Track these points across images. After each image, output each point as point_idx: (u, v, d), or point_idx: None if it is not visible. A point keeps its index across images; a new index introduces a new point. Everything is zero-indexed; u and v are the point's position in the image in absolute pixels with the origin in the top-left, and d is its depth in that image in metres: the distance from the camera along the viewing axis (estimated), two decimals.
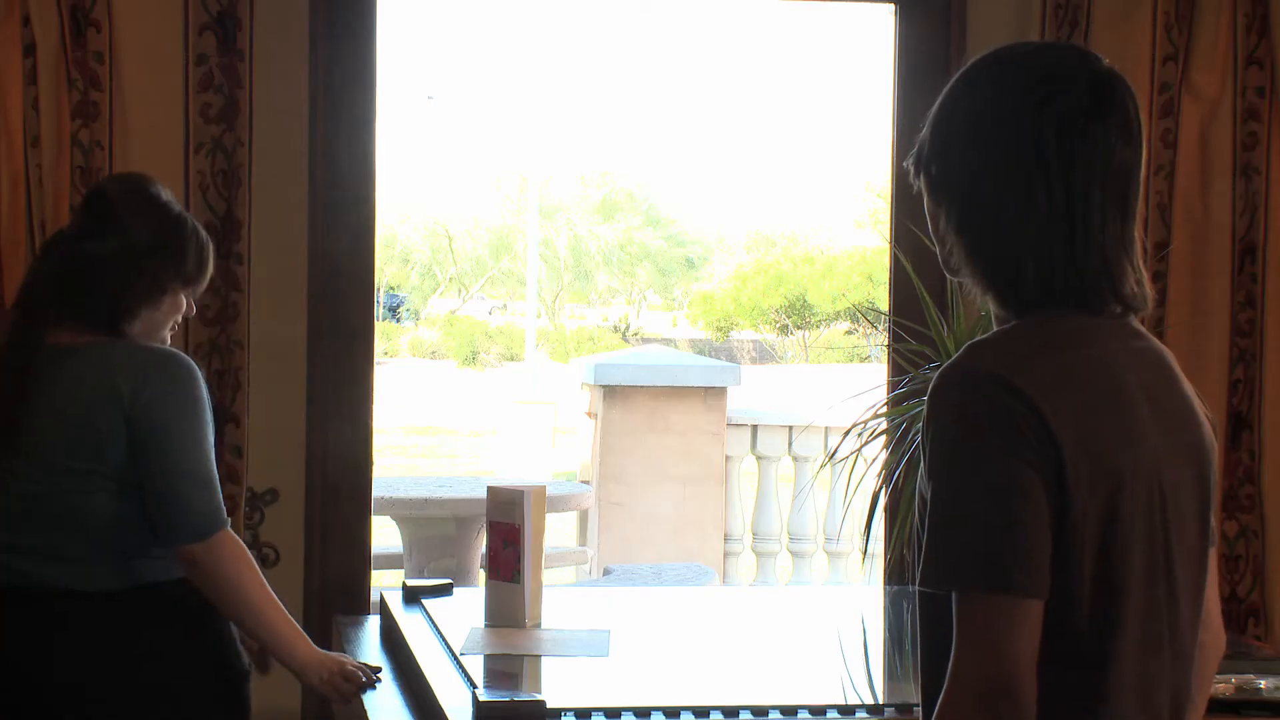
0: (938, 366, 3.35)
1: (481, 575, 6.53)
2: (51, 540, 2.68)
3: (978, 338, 1.82)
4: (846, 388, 4.17)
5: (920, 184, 1.89)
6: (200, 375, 2.74)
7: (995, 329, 1.83)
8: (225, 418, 3.66)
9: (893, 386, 3.72)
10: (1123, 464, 1.74)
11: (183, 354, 2.79)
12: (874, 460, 3.61)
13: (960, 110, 1.87)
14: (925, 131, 1.88)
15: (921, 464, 1.77)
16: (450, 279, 33.06)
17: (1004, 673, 1.65)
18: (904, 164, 1.94)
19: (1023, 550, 1.67)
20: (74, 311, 2.75)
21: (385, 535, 8.08)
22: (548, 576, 4.51)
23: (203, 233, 2.88)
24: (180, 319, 2.87)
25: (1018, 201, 1.80)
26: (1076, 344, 1.79)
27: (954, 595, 1.69)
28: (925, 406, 1.76)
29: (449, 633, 2.82)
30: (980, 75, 1.87)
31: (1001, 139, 1.81)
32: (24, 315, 2.78)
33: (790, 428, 7.80)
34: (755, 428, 8.04)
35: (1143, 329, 1.88)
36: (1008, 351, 1.76)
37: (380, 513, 6.54)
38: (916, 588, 1.75)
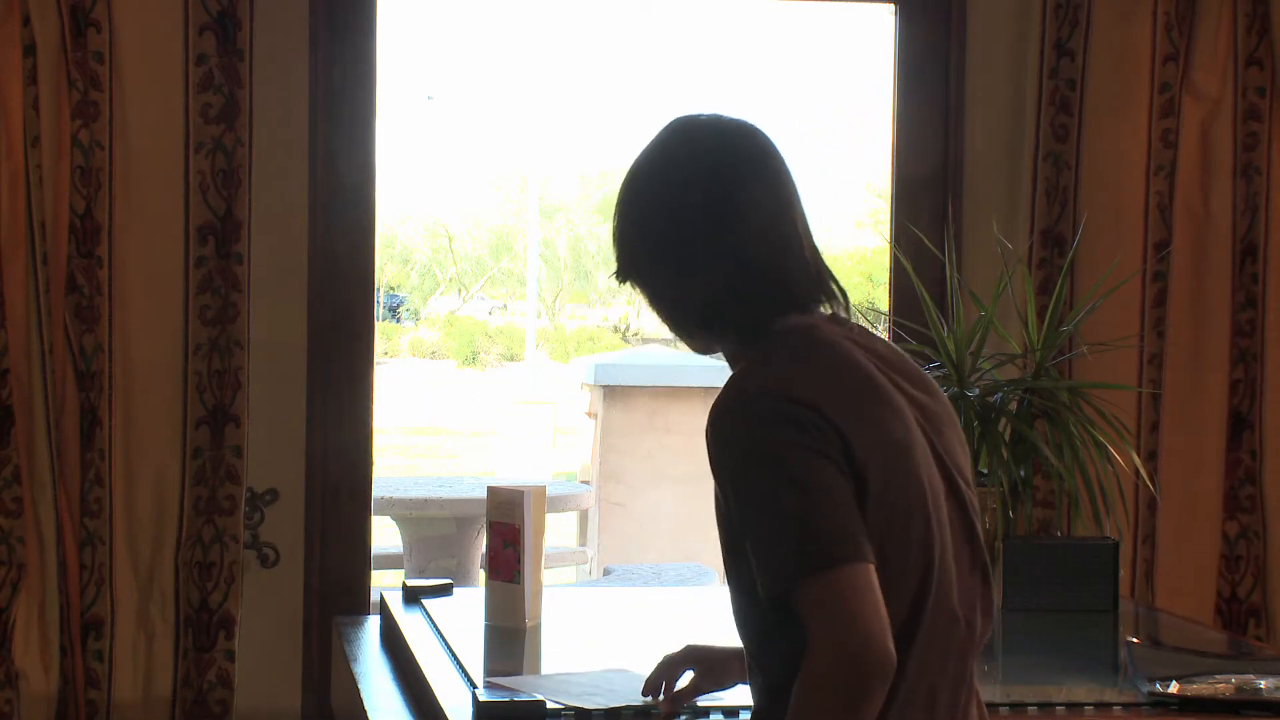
0: (938, 366, 3.35)
1: (481, 575, 6.53)
2: None
3: (734, 373, 1.96)
4: None
5: (638, 294, 2.04)
6: None
7: (730, 361, 1.99)
8: (225, 418, 3.67)
9: None
10: (901, 437, 1.89)
11: None
12: None
13: (635, 216, 2.01)
14: (616, 250, 2.04)
15: (718, 498, 1.91)
16: (450, 279, 33.02)
17: (862, 632, 1.77)
18: (608, 276, 2.08)
19: (844, 526, 1.80)
20: None
21: (385, 535, 8.08)
22: (548, 576, 4.50)
23: None
24: None
25: (708, 259, 1.95)
26: (817, 349, 1.94)
27: (797, 590, 1.80)
28: (709, 446, 1.89)
29: (449, 633, 2.82)
30: (640, 183, 2.02)
31: (675, 227, 1.97)
32: None
33: None
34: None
35: (855, 322, 2.04)
36: (768, 373, 1.90)
37: (380, 513, 6.55)
38: (764, 598, 1.85)
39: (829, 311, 2.01)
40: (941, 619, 1.90)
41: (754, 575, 1.85)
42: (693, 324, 2.01)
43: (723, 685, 2.28)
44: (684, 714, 2.33)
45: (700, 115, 2.03)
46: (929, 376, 2.03)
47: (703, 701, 2.34)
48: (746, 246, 1.95)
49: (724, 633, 3.12)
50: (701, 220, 1.95)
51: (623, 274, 2.04)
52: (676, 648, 2.30)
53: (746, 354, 1.98)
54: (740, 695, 2.44)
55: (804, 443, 1.82)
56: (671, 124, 2.03)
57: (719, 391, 1.93)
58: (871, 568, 1.80)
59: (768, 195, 1.97)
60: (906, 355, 2.04)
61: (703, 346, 2.04)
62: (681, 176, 1.97)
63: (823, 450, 1.83)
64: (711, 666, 2.26)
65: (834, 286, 2.00)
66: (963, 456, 2.00)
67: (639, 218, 2.00)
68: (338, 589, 3.86)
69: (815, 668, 1.79)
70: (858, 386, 1.90)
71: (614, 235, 2.03)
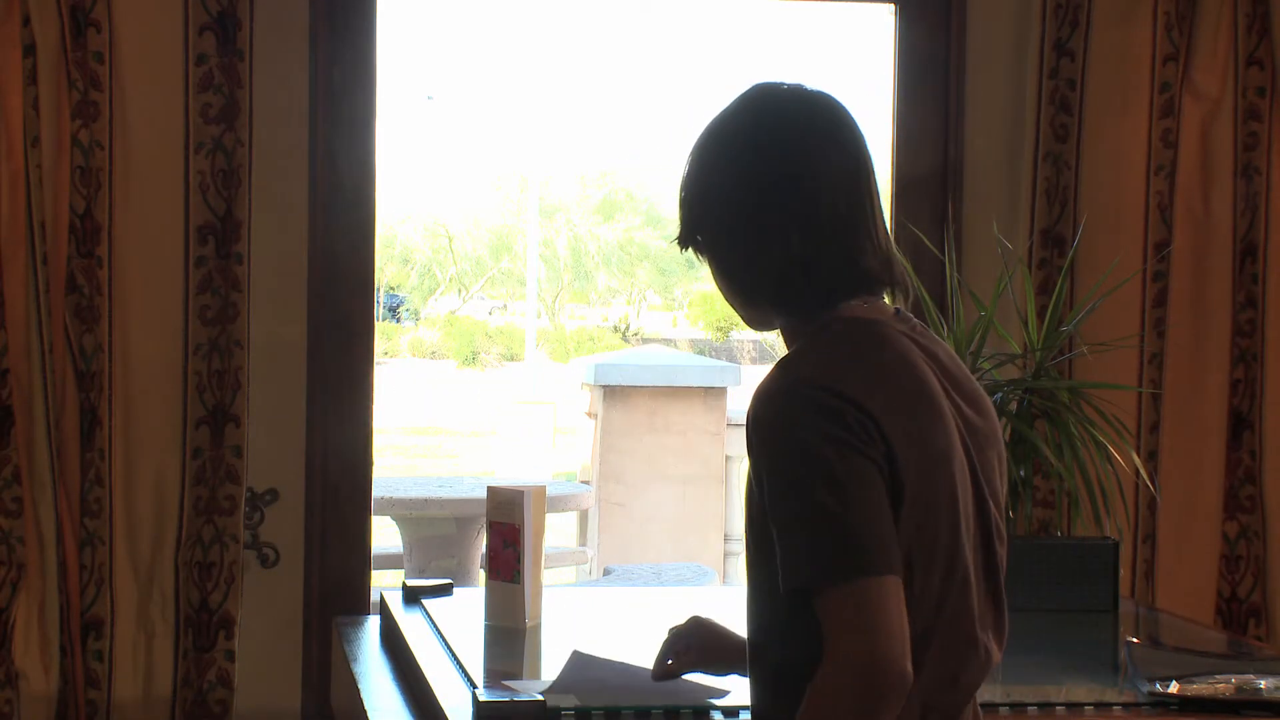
0: None
1: (481, 575, 6.53)
2: None
3: (786, 356, 1.91)
4: None
5: (701, 260, 1.99)
6: None
7: (796, 344, 1.93)
8: (225, 418, 3.67)
9: None
10: (944, 449, 1.85)
11: None
12: None
13: (706, 179, 1.96)
14: (681, 213, 1.99)
15: (751, 479, 1.87)
16: (450, 279, 33.00)
17: (882, 650, 1.74)
18: (668, 244, 2.02)
19: (877, 534, 1.77)
20: None
21: (385, 535, 8.08)
22: (548, 576, 4.50)
23: None
24: None
25: (775, 229, 1.90)
26: (875, 345, 1.89)
27: (822, 593, 1.77)
28: (750, 427, 1.85)
29: (449, 633, 2.82)
30: (714, 146, 1.97)
31: (750, 191, 1.91)
32: None
33: None
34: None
35: (921, 324, 1.99)
36: (822, 362, 1.86)
37: (380, 513, 6.54)
38: (783, 590, 1.82)
39: (895, 305, 1.96)
40: (957, 641, 1.87)
41: (776, 565, 1.82)
42: (756, 292, 1.94)
43: (721, 669, 2.25)
44: (684, 705, 2.33)
45: (781, 83, 1.97)
46: (982, 391, 1.98)
47: (704, 702, 2.34)
48: (818, 215, 1.89)
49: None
50: (775, 186, 1.89)
51: (685, 239, 1.98)
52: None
53: (804, 335, 1.93)
54: (741, 695, 2.44)
55: (846, 440, 1.78)
56: (750, 89, 1.97)
57: (767, 372, 1.88)
58: (899, 581, 1.77)
59: (844, 167, 1.91)
60: (964, 365, 2.00)
61: (761, 319, 1.98)
62: (757, 141, 1.92)
63: (864, 450, 1.78)
64: (714, 643, 2.24)
65: (901, 274, 1.95)
66: (999, 480, 1.96)
67: (710, 181, 1.94)
68: (338, 589, 3.86)
69: (831, 677, 1.76)
70: (910, 391, 1.85)
71: (681, 198, 1.97)
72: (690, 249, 1.98)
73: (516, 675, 2.69)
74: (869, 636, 1.74)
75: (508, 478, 11.12)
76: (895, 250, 1.96)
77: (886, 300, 1.96)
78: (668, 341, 28.24)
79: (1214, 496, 4.05)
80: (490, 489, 2.99)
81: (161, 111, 3.64)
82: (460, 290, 33.26)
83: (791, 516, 1.80)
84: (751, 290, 1.94)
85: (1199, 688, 2.49)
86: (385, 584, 5.59)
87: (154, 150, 3.65)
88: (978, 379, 3.39)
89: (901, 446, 1.80)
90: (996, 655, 1.93)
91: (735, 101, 1.97)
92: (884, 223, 1.95)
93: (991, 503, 1.93)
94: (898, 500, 1.80)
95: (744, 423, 1.90)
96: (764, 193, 1.90)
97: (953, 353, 1.99)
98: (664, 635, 2.30)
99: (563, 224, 32.44)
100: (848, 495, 1.77)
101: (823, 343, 1.90)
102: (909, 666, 1.75)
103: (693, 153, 1.97)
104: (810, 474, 1.78)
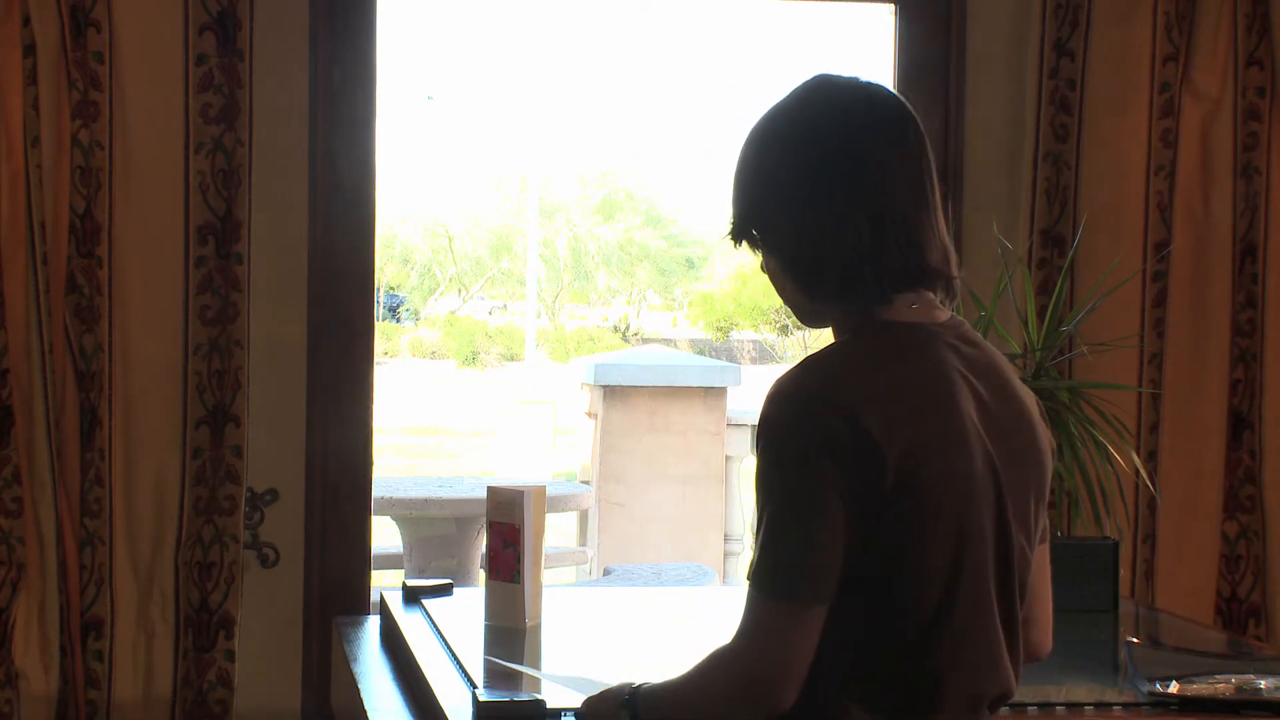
0: None
1: (481, 575, 6.53)
2: None
3: (815, 354, 1.90)
4: None
5: (756, 253, 1.97)
6: None
7: (836, 337, 1.93)
8: (225, 418, 3.67)
9: None
10: (956, 466, 1.84)
11: None
12: None
13: (766, 168, 1.93)
14: (736, 205, 1.96)
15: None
16: (450, 279, 33.00)
17: (759, 668, 1.82)
18: (723, 238, 2.02)
19: (815, 564, 1.80)
20: None
21: (385, 535, 8.08)
22: (548, 576, 4.50)
23: None
24: None
25: (832, 221, 1.88)
26: (908, 354, 1.88)
27: (749, 591, 1.85)
28: (759, 419, 1.87)
29: (449, 633, 2.82)
30: (774, 135, 1.95)
31: (806, 181, 1.89)
32: None
33: None
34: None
35: (976, 335, 1.97)
36: (841, 368, 1.86)
37: (380, 513, 6.54)
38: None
39: (950, 309, 1.94)
40: (979, 663, 1.87)
41: None
42: (820, 285, 1.90)
43: None
44: None
45: (839, 75, 1.95)
46: (1031, 409, 1.95)
47: None
48: (885, 205, 1.87)
49: (724, 633, 3.12)
50: (842, 176, 1.87)
51: (740, 231, 1.94)
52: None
53: (846, 330, 1.91)
54: None
55: (822, 467, 1.79)
56: (808, 81, 1.95)
57: (793, 365, 1.88)
58: (818, 610, 1.81)
59: (909, 157, 1.89)
60: (1015, 381, 1.96)
61: (817, 314, 1.94)
62: (821, 132, 1.89)
63: (836, 478, 1.78)
64: None
65: (956, 269, 1.93)
66: (1034, 501, 1.93)
67: (767, 173, 1.91)
68: (338, 589, 3.86)
69: (723, 660, 1.85)
70: (927, 405, 1.84)
71: (736, 188, 1.94)
72: (744, 243, 1.95)
73: (517, 676, 2.69)
74: (763, 651, 1.82)
75: (508, 478, 11.12)
76: (951, 244, 1.94)
77: (939, 300, 1.93)
78: (668, 341, 28.24)
79: (1214, 496, 4.05)
80: (490, 489, 2.99)
81: (161, 111, 3.65)
82: (460, 290, 33.26)
83: (762, 517, 1.84)
84: (816, 282, 1.91)
85: (1199, 688, 2.49)
86: (385, 584, 5.60)
87: (154, 150, 3.65)
88: None
89: (902, 459, 1.79)
90: (1015, 679, 1.93)
91: (794, 92, 1.94)
92: (944, 215, 1.93)
93: (1016, 525, 1.90)
94: (882, 515, 1.80)
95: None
96: (831, 184, 1.88)
97: (1001, 365, 1.95)
98: (663, 634, 2.31)
99: (563, 224, 32.43)
100: (799, 518, 1.80)
101: (850, 346, 1.89)
102: (788, 692, 1.81)
103: (748, 145, 1.94)
104: (783, 489, 1.82)
